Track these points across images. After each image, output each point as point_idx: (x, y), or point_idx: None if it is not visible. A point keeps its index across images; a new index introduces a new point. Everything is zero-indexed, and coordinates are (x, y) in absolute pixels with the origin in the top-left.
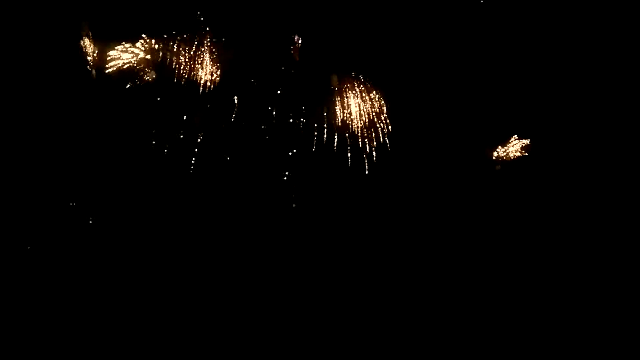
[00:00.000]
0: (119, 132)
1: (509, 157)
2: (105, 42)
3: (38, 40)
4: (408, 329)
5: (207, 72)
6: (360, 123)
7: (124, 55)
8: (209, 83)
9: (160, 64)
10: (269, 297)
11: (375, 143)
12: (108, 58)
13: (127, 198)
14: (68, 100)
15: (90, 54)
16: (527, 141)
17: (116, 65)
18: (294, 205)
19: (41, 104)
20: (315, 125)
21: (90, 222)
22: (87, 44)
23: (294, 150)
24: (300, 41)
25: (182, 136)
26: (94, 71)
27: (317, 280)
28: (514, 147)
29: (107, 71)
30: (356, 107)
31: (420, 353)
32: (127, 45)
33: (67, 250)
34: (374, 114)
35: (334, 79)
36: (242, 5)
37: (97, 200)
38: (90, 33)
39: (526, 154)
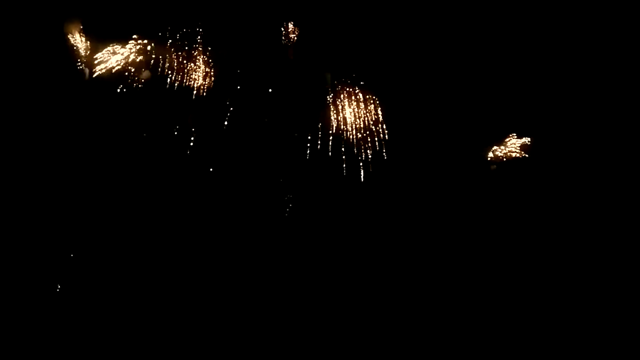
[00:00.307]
0: (112, 132)
1: (507, 157)
2: (98, 42)
3: (31, 39)
4: (408, 329)
5: (200, 72)
6: (356, 123)
7: (117, 55)
8: (202, 84)
9: (153, 64)
10: (267, 298)
11: (370, 144)
12: (101, 57)
13: (120, 198)
14: (61, 99)
15: (83, 53)
16: (527, 140)
17: (109, 65)
18: (289, 207)
19: (33, 103)
20: (311, 127)
21: (82, 222)
22: (80, 43)
23: (289, 153)
24: (295, 38)
25: (175, 137)
26: (87, 69)
27: (313, 283)
28: (512, 146)
29: (99, 71)
30: (351, 106)
31: (420, 353)
32: (120, 45)
33: (60, 251)
34: (369, 114)
35: (328, 77)
36: (237, 4)
37: (89, 201)
38: (82, 32)
39: (525, 154)
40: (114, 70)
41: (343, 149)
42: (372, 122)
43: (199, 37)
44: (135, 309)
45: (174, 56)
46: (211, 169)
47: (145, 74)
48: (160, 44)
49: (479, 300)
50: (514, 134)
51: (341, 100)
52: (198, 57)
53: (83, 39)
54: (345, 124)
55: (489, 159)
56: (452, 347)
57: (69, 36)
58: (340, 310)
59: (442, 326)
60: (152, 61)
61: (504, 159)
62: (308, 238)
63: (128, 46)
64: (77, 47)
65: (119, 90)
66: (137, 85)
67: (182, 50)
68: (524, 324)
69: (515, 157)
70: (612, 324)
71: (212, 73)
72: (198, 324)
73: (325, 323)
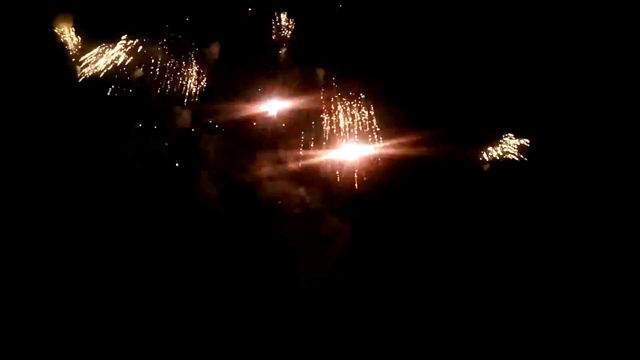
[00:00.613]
0: (104, 133)
1: (503, 158)
2: (89, 40)
3: (21, 38)
4: (405, 330)
5: (194, 74)
6: (350, 126)
7: (107, 55)
8: (194, 84)
9: (145, 63)
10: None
11: (361, 142)
12: (91, 57)
13: (112, 203)
14: (51, 100)
15: (73, 51)
16: (525, 141)
17: (99, 65)
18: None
19: (23, 104)
20: (305, 127)
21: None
22: (71, 41)
23: (282, 155)
24: (289, 33)
25: (167, 140)
26: (78, 69)
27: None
28: (508, 147)
29: (90, 70)
30: (344, 105)
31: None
32: (112, 44)
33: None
34: (360, 112)
35: (322, 74)
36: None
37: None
38: (74, 29)
39: (523, 157)
40: (104, 71)
41: (337, 147)
42: (363, 120)
43: (191, 34)
44: (135, 309)
45: (165, 55)
46: (203, 172)
47: (138, 72)
48: (151, 42)
49: (473, 303)
50: (511, 134)
51: (335, 99)
52: (190, 56)
53: (73, 35)
54: (337, 122)
55: (481, 160)
56: (452, 347)
57: (59, 33)
58: (339, 312)
59: (439, 328)
60: (146, 60)
61: (500, 161)
62: (303, 243)
63: (118, 45)
64: (67, 45)
65: (110, 90)
66: (129, 86)
67: (173, 47)
68: (519, 328)
69: (512, 160)
70: (612, 324)
71: (204, 72)
72: (198, 324)
73: (324, 324)
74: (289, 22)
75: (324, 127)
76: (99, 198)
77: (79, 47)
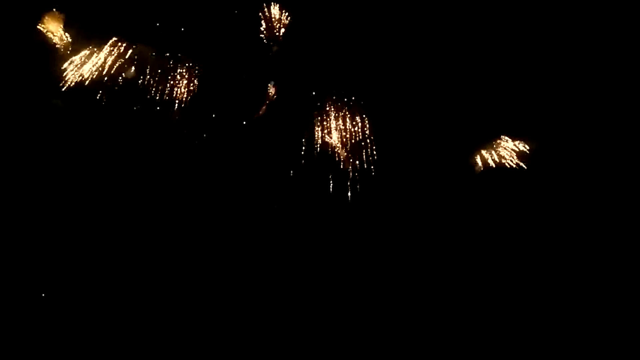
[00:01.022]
0: (92, 137)
1: (497, 161)
2: (78, 41)
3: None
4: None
5: (185, 77)
6: (344, 130)
7: (96, 57)
8: (186, 89)
9: (135, 66)
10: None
11: (356, 151)
12: (79, 59)
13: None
14: (37, 102)
15: (62, 52)
16: (523, 145)
17: (89, 67)
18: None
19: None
20: (298, 133)
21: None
22: (60, 42)
23: (275, 161)
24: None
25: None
26: (66, 71)
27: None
28: (504, 151)
29: (77, 74)
30: (338, 114)
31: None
32: (100, 46)
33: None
34: (356, 120)
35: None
36: (222, 13)
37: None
38: (62, 30)
39: (520, 162)
40: (91, 74)
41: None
42: (356, 125)
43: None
44: (134, 309)
45: (155, 57)
46: (195, 176)
47: (128, 74)
48: (141, 44)
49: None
50: (506, 137)
51: (328, 102)
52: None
53: (62, 35)
54: (330, 126)
55: (473, 164)
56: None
57: (46, 32)
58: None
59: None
60: (134, 64)
61: (495, 164)
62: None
63: (106, 48)
64: (55, 45)
65: (99, 94)
66: (117, 89)
67: (163, 50)
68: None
69: (508, 165)
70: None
71: (196, 84)
72: (198, 324)
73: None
74: (281, 22)
75: (317, 131)
76: (88, 205)
77: (69, 48)
